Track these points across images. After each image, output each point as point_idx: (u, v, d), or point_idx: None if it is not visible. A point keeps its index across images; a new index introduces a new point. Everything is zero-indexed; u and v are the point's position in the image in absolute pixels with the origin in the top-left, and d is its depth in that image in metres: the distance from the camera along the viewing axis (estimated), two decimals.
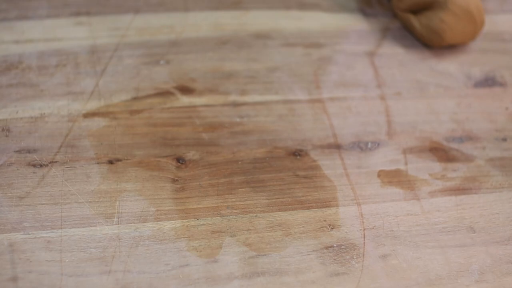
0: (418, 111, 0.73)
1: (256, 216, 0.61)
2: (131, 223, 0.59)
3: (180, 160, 0.65)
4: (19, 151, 0.64)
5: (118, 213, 0.60)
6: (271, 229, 0.60)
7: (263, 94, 0.73)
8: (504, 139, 0.71)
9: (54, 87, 0.71)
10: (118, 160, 0.65)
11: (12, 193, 0.61)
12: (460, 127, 0.72)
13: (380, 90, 0.75)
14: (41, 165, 0.63)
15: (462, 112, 0.73)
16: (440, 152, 0.69)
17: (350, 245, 0.59)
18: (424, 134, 0.70)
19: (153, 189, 0.62)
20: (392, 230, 0.61)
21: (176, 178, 0.64)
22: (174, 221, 0.60)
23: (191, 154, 0.66)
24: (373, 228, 0.61)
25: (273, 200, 0.62)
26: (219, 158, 0.66)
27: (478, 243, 0.60)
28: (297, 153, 0.67)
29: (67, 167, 0.63)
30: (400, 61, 0.79)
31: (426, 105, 0.74)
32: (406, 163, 0.67)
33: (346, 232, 0.60)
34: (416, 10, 0.80)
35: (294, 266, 0.57)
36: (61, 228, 0.59)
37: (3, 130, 0.66)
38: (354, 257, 0.58)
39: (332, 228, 0.61)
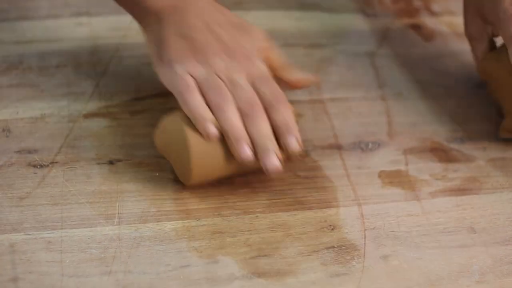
0: (418, 111, 0.73)
1: (256, 216, 0.61)
2: (131, 224, 0.59)
3: None
4: (19, 152, 0.64)
5: (118, 213, 0.60)
6: (271, 229, 0.60)
7: None
8: (505, 140, 0.71)
9: (55, 88, 0.71)
10: (119, 160, 0.65)
11: (13, 193, 0.61)
12: (460, 128, 0.72)
13: (380, 91, 0.75)
14: (41, 166, 0.63)
15: (463, 113, 0.73)
16: (440, 152, 0.69)
17: (350, 246, 0.59)
18: (425, 134, 0.70)
19: (154, 189, 0.62)
20: (393, 231, 0.61)
21: (176, 178, 0.63)
22: (174, 222, 0.60)
23: None
24: (373, 229, 0.61)
25: (274, 200, 0.62)
26: None
27: (479, 244, 0.60)
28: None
29: (67, 168, 0.63)
30: (400, 62, 0.79)
31: (427, 105, 0.74)
32: (406, 164, 0.67)
33: (347, 232, 0.60)
34: None
35: (294, 267, 0.57)
36: (62, 228, 0.58)
37: (3, 130, 0.66)
38: (355, 257, 0.58)
39: (332, 229, 0.61)
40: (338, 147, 0.68)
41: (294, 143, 0.59)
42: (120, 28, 0.79)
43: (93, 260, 0.56)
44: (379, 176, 0.66)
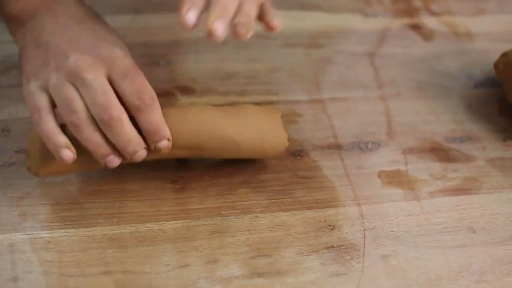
0: (418, 111, 0.73)
1: (256, 216, 0.61)
2: (131, 224, 0.59)
3: (180, 160, 0.65)
4: (19, 152, 0.64)
5: (118, 213, 0.60)
6: (271, 229, 0.60)
7: (263, 94, 0.73)
8: (504, 140, 0.71)
9: None
10: None
11: (12, 193, 0.61)
12: (460, 128, 0.72)
13: (380, 91, 0.75)
14: None
15: (462, 113, 0.73)
16: (440, 152, 0.69)
17: (350, 246, 0.59)
18: (424, 134, 0.70)
19: (154, 189, 0.62)
20: (393, 231, 0.61)
21: (176, 178, 0.63)
22: (174, 222, 0.60)
23: None
24: (373, 229, 0.61)
25: (273, 200, 0.62)
26: (219, 158, 0.66)
27: (478, 244, 0.60)
28: (297, 154, 0.67)
29: None
30: (400, 62, 0.79)
31: (426, 105, 0.74)
32: (406, 164, 0.67)
33: (347, 232, 0.60)
34: None
35: (294, 267, 0.57)
36: (61, 228, 0.58)
37: (3, 130, 0.66)
38: (355, 257, 0.58)
39: (332, 229, 0.61)
40: (337, 147, 0.68)
41: (164, 147, 0.56)
42: (120, 28, 0.79)
43: (92, 260, 0.56)
44: (379, 176, 0.66)
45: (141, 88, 0.54)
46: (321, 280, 0.57)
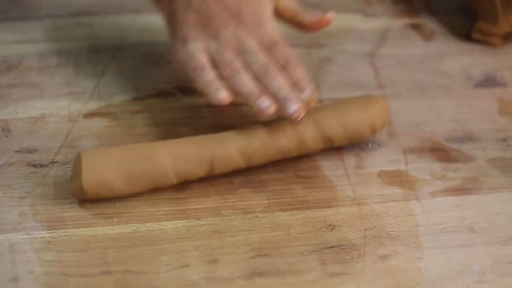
0: (418, 111, 0.73)
1: (256, 216, 0.61)
2: (131, 223, 0.59)
3: None
4: (19, 151, 0.64)
5: (118, 213, 0.60)
6: (271, 229, 0.60)
7: None
8: (505, 140, 0.71)
9: (55, 87, 0.71)
10: None
11: (13, 193, 0.61)
12: (460, 128, 0.72)
13: (380, 91, 0.75)
14: (41, 165, 0.63)
15: (463, 113, 0.73)
16: (440, 152, 0.69)
17: (350, 245, 0.59)
18: (425, 134, 0.70)
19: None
20: (393, 230, 0.61)
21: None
22: (174, 221, 0.60)
23: None
24: (373, 228, 0.61)
25: (274, 200, 0.62)
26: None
27: (479, 244, 0.60)
28: None
29: (67, 167, 0.63)
30: (400, 62, 0.79)
31: (427, 105, 0.74)
32: (406, 164, 0.67)
33: (347, 232, 0.60)
34: None
35: (294, 267, 0.57)
36: (62, 228, 0.58)
37: (3, 130, 0.66)
38: (355, 257, 0.58)
39: (332, 229, 0.61)
40: (338, 147, 0.68)
41: (309, 95, 0.61)
42: (120, 28, 0.79)
43: (93, 260, 0.56)
44: (379, 176, 0.66)
45: (287, 52, 0.63)
46: (321, 280, 0.57)
